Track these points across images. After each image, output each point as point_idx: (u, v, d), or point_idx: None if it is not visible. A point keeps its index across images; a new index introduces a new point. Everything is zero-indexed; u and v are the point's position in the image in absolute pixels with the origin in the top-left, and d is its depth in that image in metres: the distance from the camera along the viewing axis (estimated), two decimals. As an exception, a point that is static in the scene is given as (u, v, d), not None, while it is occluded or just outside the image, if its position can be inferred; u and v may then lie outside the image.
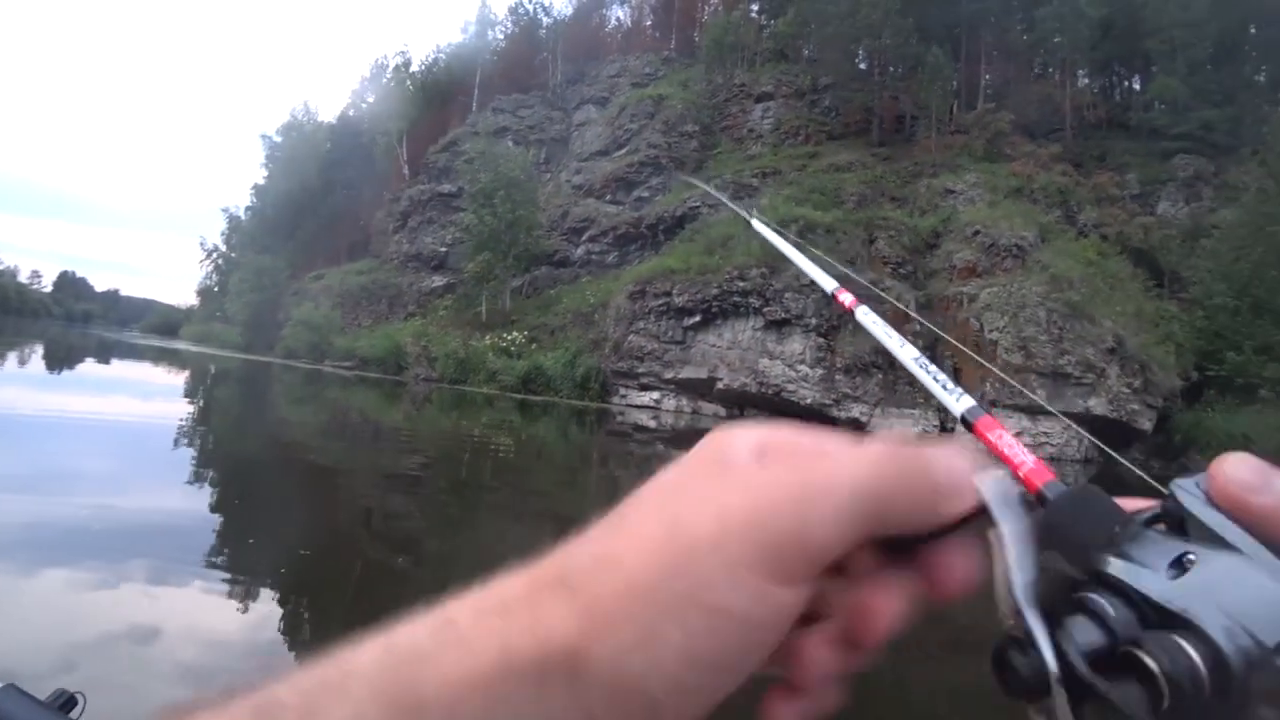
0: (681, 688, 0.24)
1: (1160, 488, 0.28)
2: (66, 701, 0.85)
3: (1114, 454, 0.61)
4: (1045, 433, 17.04)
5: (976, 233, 20.25)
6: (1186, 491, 0.26)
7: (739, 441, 0.28)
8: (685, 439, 16.41)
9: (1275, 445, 17.21)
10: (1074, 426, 15.08)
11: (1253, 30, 31.83)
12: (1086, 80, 34.42)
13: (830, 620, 0.27)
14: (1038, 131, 30.53)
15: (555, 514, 6.51)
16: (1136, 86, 34.83)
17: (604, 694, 0.24)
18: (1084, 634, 0.24)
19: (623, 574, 0.25)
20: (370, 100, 55.50)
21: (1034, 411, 17.15)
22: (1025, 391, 11.87)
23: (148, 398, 13.21)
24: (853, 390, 18.60)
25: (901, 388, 18.71)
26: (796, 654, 0.27)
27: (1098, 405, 16.86)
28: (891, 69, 30.57)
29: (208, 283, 61.16)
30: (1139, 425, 17.34)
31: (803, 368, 18.73)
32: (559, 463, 11.07)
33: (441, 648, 0.24)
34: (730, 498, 0.26)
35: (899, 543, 0.27)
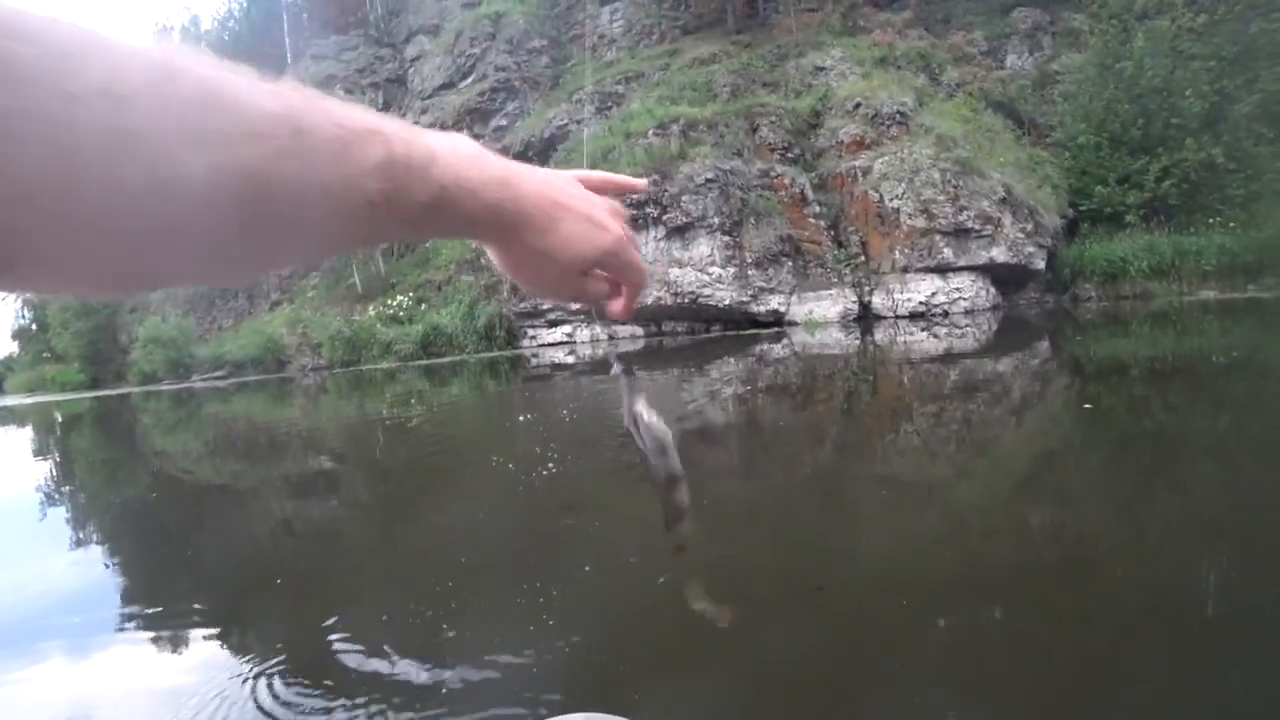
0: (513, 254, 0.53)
1: None
2: None
3: None
4: (957, 288, 17.39)
5: (857, 105, 19.93)
6: None
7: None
8: (609, 367, 15.50)
9: (1148, 263, 18.48)
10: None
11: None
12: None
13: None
14: (881, 2, 30.63)
15: (495, 479, 5.49)
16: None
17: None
18: None
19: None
20: (163, 72, 48.18)
21: (943, 270, 17.41)
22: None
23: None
24: (767, 283, 18.16)
25: (814, 271, 18.49)
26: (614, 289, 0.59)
27: (999, 254, 17.30)
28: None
29: (22, 322, 52.60)
30: (1034, 266, 18.02)
31: (714, 269, 18.04)
32: (483, 420, 9.96)
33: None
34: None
35: None
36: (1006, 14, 28.38)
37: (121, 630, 3.26)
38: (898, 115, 19.26)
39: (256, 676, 2.62)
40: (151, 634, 3.15)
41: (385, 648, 2.67)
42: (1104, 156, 20.31)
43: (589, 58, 27.13)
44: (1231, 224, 18.73)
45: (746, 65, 24.03)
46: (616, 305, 0.60)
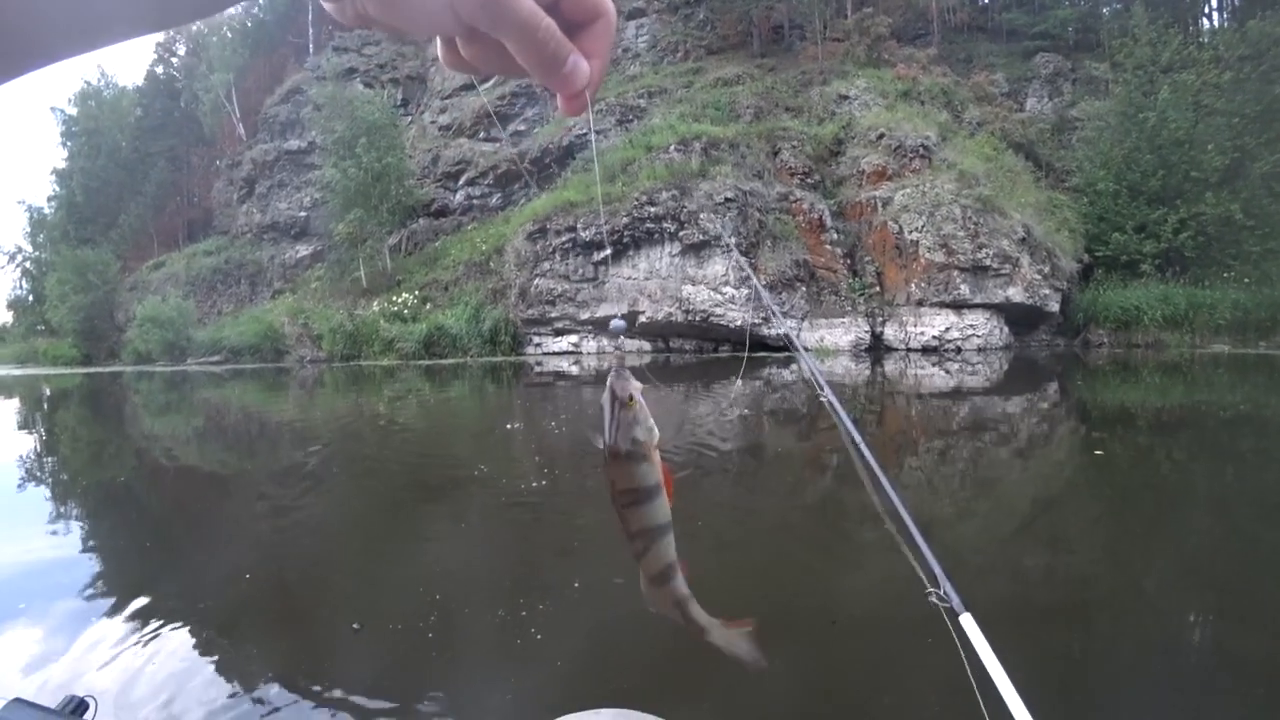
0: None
1: None
2: (77, 706, 0.88)
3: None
4: (971, 325, 17.21)
5: (880, 136, 19.86)
6: None
7: None
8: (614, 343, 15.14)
9: (1162, 313, 18.35)
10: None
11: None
12: (946, -16, 34.84)
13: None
14: (904, 37, 30.81)
15: (502, 493, 5.27)
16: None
17: None
18: None
19: None
20: (182, 54, 48.25)
21: (959, 306, 17.25)
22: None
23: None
24: (780, 306, 17.97)
25: (827, 298, 18.30)
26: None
27: (1016, 294, 17.16)
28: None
29: (18, 292, 52.07)
30: (1049, 308, 17.89)
31: (728, 289, 17.84)
32: (476, 425, 9.80)
33: None
34: None
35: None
36: (1028, 58, 28.65)
37: (69, 621, 3.01)
38: (920, 149, 19.19)
39: (214, 675, 2.40)
40: (101, 624, 2.91)
41: (352, 658, 2.52)
42: (1122, 204, 20.30)
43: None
44: (1245, 279, 18.68)
45: (770, 89, 24.02)
46: (581, 67, 0.37)
